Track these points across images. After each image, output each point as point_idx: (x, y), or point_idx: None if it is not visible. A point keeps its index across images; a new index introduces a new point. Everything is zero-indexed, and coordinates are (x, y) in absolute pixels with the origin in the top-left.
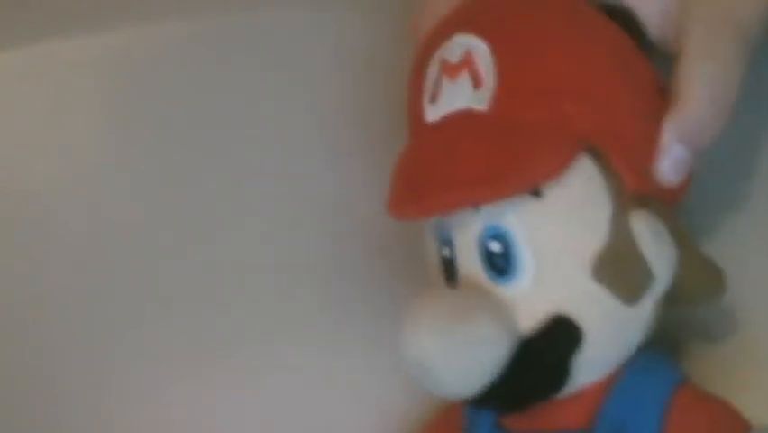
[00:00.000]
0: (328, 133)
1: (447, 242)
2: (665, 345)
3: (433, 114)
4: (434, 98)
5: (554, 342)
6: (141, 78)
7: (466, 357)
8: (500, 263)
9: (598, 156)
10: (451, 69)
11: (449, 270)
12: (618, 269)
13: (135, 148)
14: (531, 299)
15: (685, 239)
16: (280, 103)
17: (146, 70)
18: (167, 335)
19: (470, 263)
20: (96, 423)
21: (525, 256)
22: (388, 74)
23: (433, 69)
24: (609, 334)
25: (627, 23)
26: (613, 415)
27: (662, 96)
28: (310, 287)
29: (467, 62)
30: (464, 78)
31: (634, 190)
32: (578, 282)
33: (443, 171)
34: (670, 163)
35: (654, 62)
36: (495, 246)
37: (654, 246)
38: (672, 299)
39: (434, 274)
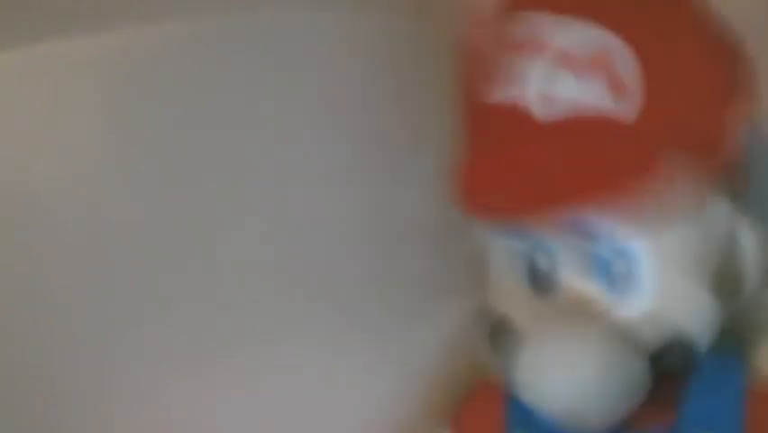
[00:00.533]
0: (328, 132)
1: (544, 250)
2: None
3: (545, 109)
4: (547, 95)
5: (672, 363)
6: (141, 78)
7: (622, 400)
8: (621, 284)
9: (725, 171)
10: (578, 65)
11: (543, 280)
12: (731, 282)
13: (135, 148)
14: (651, 321)
15: None
16: (280, 103)
17: (146, 70)
18: (167, 335)
19: (581, 279)
20: (96, 423)
21: (649, 277)
22: (388, 74)
23: (545, 58)
24: (709, 341)
25: None
26: (695, 409)
27: None
28: (310, 287)
29: (602, 63)
30: (597, 79)
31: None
32: (698, 300)
33: (588, 186)
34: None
35: None
36: (618, 266)
37: (757, 252)
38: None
39: (505, 278)
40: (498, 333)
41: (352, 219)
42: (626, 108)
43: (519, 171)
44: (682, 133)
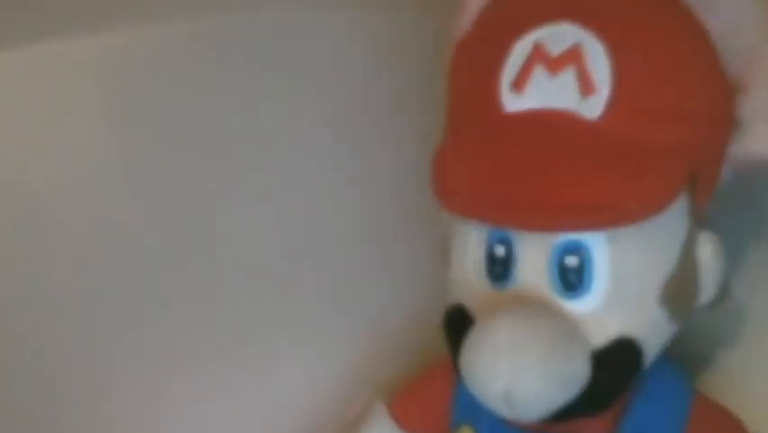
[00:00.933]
0: (328, 132)
1: (503, 240)
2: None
3: (515, 104)
4: (518, 87)
5: (618, 364)
6: (141, 78)
7: (560, 392)
8: (573, 279)
9: (692, 181)
10: (551, 62)
11: (499, 269)
12: (682, 293)
13: (135, 148)
14: (598, 319)
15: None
16: (280, 103)
17: (146, 70)
18: (167, 335)
19: (536, 272)
20: (96, 423)
21: (602, 275)
22: (388, 73)
23: (519, 53)
24: (657, 352)
25: None
26: (637, 420)
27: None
28: (311, 287)
29: (574, 58)
30: (568, 76)
31: (701, 210)
32: (646, 306)
33: (559, 188)
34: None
35: None
36: (571, 261)
37: (713, 267)
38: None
39: (466, 266)
40: (453, 319)
41: (353, 218)
42: (591, 106)
43: (486, 168)
44: (650, 134)
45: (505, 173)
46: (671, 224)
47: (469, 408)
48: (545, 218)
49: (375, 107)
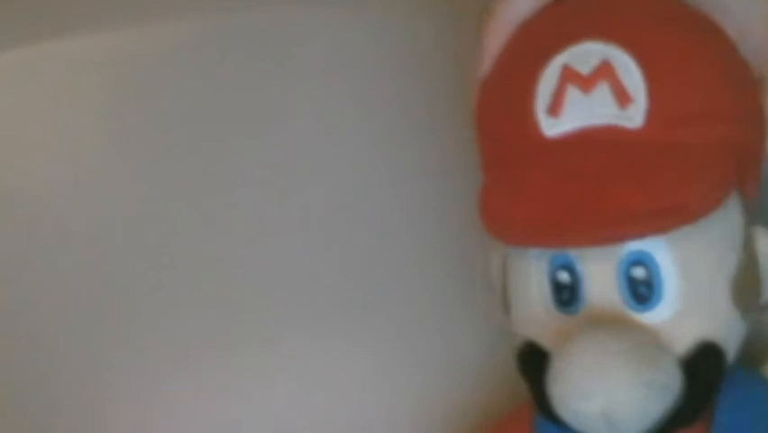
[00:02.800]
0: (328, 132)
1: (566, 265)
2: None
3: (554, 127)
4: (555, 111)
5: (705, 368)
6: (141, 78)
7: (657, 402)
8: (643, 291)
9: (739, 176)
10: (583, 81)
11: (567, 294)
12: (749, 290)
13: (135, 148)
14: (676, 327)
15: None
16: (280, 103)
17: (146, 70)
18: (167, 335)
19: (605, 290)
20: (95, 423)
21: (671, 282)
22: (388, 73)
23: (549, 78)
24: (733, 354)
25: None
26: (727, 423)
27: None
28: (311, 286)
29: (605, 73)
30: (603, 91)
31: (749, 205)
32: (719, 306)
33: (621, 198)
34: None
35: None
36: (639, 272)
37: None
38: None
39: (530, 300)
40: (528, 357)
41: (355, 217)
42: (631, 115)
43: (538, 194)
44: (692, 135)
45: (559, 195)
46: (727, 220)
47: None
48: (612, 230)
49: (376, 107)
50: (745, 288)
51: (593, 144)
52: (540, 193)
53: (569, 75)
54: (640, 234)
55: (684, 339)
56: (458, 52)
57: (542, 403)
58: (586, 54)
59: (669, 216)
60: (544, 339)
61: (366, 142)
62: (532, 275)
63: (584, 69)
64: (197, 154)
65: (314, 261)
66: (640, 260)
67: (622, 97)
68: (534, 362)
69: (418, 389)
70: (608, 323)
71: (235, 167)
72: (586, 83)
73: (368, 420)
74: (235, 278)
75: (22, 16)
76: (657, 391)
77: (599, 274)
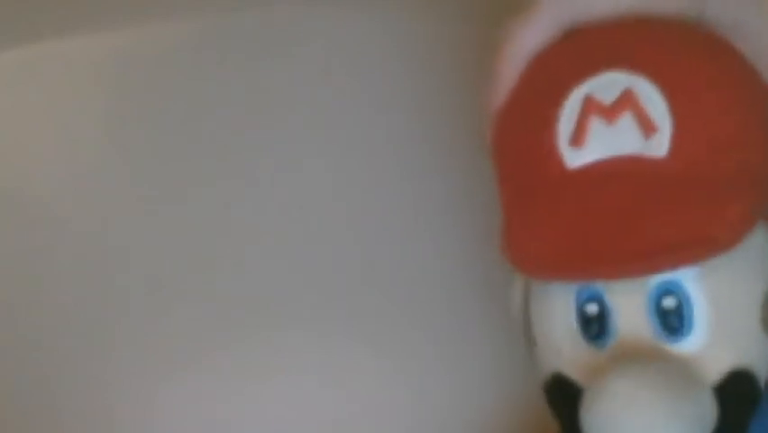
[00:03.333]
0: (329, 132)
1: (594, 297)
2: None
3: (578, 158)
4: (578, 142)
5: (737, 399)
6: (142, 78)
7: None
8: (674, 321)
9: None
10: (606, 111)
11: (595, 328)
12: None
13: (135, 148)
14: (708, 356)
15: None
16: (280, 103)
17: (146, 70)
18: (167, 335)
19: (635, 322)
20: (96, 422)
21: (701, 311)
22: (388, 73)
23: (570, 109)
24: (765, 378)
25: None
26: None
27: None
28: (312, 287)
29: (628, 103)
30: (627, 121)
31: None
32: (750, 333)
33: (652, 229)
34: None
35: None
36: (669, 302)
37: None
38: None
39: (556, 334)
40: (558, 391)
41: (356, 216)
42: (656, 144)
43: (563, 226)
44: (719, 162)
45: (585, 227)
46: (755, 247)
47: None
48: (645, 262)
49: (376, 107)
50: None
51: (618, 175)
52: (567, 225)
53: (591, 105)
54: (673, 266)
55: (716, 368)
56: (458, 52)
57: None
58: (608, 84)
59: (700, 246)
60: (573, 372)
61: (366, 142)
62: (557, 308)
63: (607, 99)
64: (197, 154)
65: (314, 261)
66: (670, 290)
67: (646, 126)
68: (564, 395)
69: (419, 389)
70: (641, 356)
71: (235, 167)
72: (609, 113)
73: (368, 420)
74: (236, 278)
75: (22, 16)
76: (693, 423)
77: (629, 306)
